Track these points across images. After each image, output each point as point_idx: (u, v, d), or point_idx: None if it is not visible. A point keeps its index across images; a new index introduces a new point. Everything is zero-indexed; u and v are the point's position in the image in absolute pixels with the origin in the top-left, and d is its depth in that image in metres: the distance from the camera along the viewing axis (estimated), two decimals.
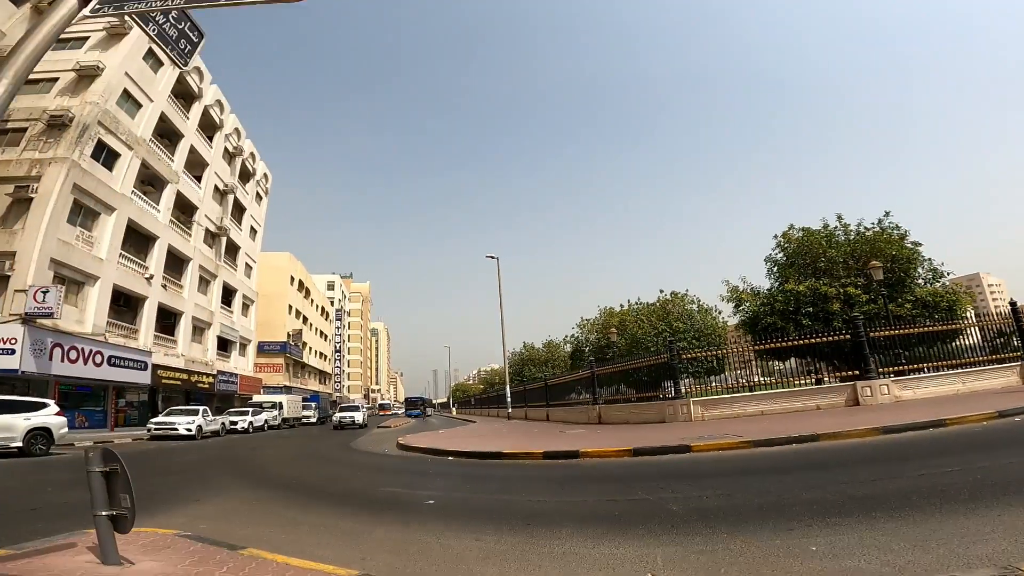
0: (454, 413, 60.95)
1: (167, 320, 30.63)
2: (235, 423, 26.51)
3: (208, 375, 33.65)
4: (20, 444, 12.54)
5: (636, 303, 33.51)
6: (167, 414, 21.99)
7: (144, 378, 25.97)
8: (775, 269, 21.02)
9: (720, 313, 30.64)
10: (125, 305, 26.85)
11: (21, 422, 12.75)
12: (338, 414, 31.34)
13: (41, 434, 13.11)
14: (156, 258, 28.85)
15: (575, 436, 12.24)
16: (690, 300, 31.33)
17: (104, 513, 3.26)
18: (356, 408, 32.22)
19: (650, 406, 14.69)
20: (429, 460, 10.56)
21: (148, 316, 27.78)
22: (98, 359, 22.56)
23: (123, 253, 25.92)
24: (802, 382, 14.43)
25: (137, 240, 27.73)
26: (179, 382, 29.72)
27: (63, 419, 14.02)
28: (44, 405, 13.78)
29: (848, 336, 13.14)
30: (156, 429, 20.49)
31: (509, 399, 29.47)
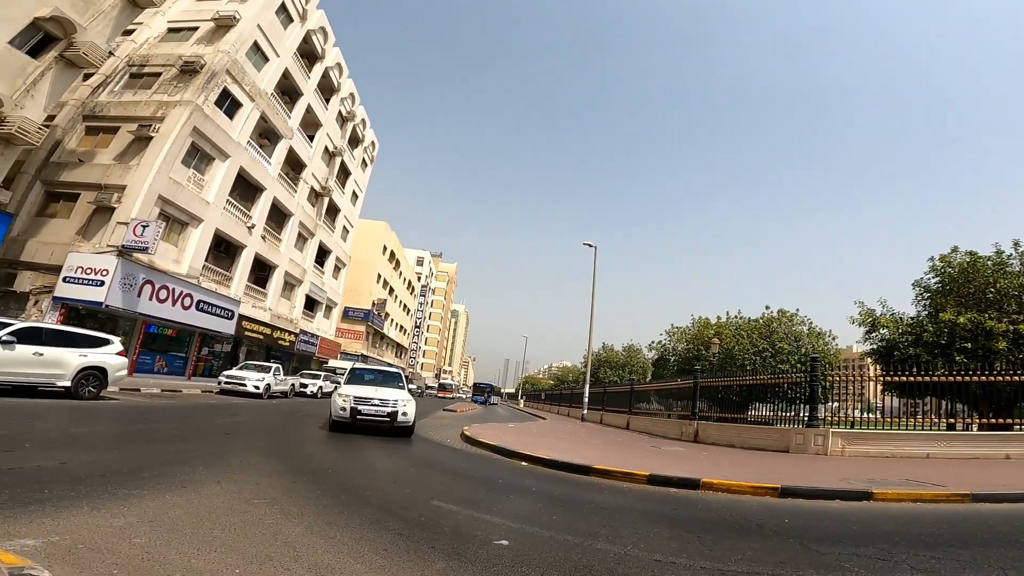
0: (521, 405, 58.85)
1: (260, 272, 30.99)
2: (305, 386, 25.89)
3: (291, 333, 33.89)
4: (68, 384, 11.28)
5: (736, 316, 30.55)
6: (240, 368, 21.50)
7: (229, 328, 26.07)
8: (925, 295, 18.36)
9: (834, 339, 27.88)
10: (224, 252, 27.20)
11: (76, 359, 11.45)
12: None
13: (94, 374, 11.83)
14: (260, 209, 29.10)
15: (675, 456, 10.51)
16: (800, 320, 28.33)
17: None
18: (393, 377, 12.69)
19: (767, 430, 12.83)
20: (498, 462, 8.92)
21: (244, 265, 28.02)
22: (187, 302, 22.58)
23: (230, 200, 26.12)
24: (907, 423, 12.35)
25: (245, 189, 28.00)
26: (262, 336, 29.86)
27: (124, 360, 12.88)
28: (107, 342, 12.54)
29: None
30: (226, 383, 19.91)
31: (586, 399, 26.72)
